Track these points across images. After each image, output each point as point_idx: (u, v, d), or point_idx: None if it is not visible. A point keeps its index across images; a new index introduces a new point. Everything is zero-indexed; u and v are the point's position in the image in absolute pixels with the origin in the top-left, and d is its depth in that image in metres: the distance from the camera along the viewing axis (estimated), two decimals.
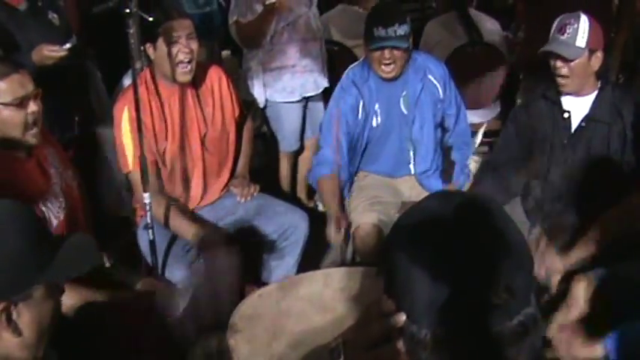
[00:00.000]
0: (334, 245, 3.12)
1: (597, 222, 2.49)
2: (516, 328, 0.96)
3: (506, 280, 0.96)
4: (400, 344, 1.01)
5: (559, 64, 2.72)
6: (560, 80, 2.76)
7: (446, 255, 0.97)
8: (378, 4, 3.45)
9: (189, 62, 2.79)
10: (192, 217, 2.94)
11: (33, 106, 2.27)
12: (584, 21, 2.69)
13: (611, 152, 2.75)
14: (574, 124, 2.81)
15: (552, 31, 2.76)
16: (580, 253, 2.46)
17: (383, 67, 3.03)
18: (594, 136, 2.78)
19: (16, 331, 1.34)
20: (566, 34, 2.70)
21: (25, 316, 1.35)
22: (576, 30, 2.68)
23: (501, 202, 2.95)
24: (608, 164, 2.77)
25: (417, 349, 0.99)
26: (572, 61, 2.69)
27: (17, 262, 1.34)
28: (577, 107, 2.80)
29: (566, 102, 2.83)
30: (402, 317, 1.00)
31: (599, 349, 1.93)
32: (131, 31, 2.54)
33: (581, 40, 2.68)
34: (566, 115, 2.82)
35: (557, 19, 2.77)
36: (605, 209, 2.53)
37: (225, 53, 5.21)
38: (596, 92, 2.77)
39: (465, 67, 4.02)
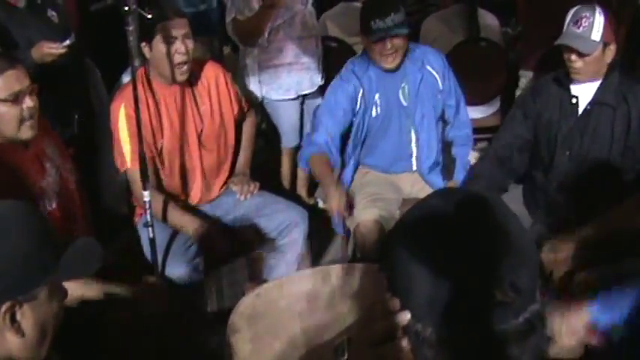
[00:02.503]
0: (335, 218, 3.04)
1: (603, 214, 2.47)
2: (522, 326, 0.96)
3: (509, 277, 0.95)
4: (405, 342, 1.01)
5: (573, 57, 2.71)
6: (573, 69, 2.75)
7: (447, 252, 0.97)
8: None
9: (185, 63, 2.80)
10: (191, 212, 2.94)
11: (29, 102, 2.26)
12: (599, 14, 2.67)
13: (615, 137, 2.75)
14: (581, 109, 2.81)
15: (567, 22, 2.74)
16: (581, 235, 2.44)
17: (384, 57, 3.04)
18: (599, 121, 2.78)
19: (20, 331, 1.34)
20: (582, 28, 2.68)
21: (29, 316, 1.35)
22: (592, 24, 2.67)
23: (500, 183, 2.97)
24: (612, 150, 2.77)
25: (422, 348, 0.99)
26: (587, 55, 2.69)
27: (23, 262, 1.34)
28: (585, 92, 2.80)
29: (575, 87, 2.82)
30: (407, 315, 1.00)
31: (586, 312, 1.84)
32: (130, 28, 2.53)
33: (597, 34, 2.67)
34: (574, 100, 2.82)
35: (572, 11, 2.74)
36: (608, 197, 2.53)
37: (226, 50, 5.19)
38: (602, 76, 2.77)
39: (465, 63, 4.01)
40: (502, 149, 2.99)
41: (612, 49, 2.72)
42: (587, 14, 2.69)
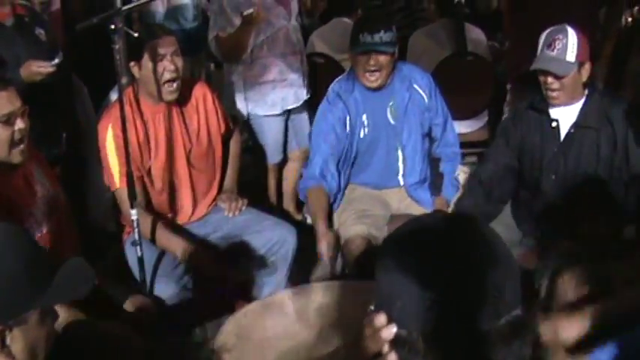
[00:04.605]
0: (325, 262, 3.05)
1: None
2: (505, 328, 0.98)
3: (493, 280, 0.99)
4: (392, 357, 1.02)
5: (550, 79, 2.71)
6: (550, 94, 2.75)
7: (434, 258, 1.01)
8: (365, 13, 3.47)
9: (174, 81, 2.80)
10: (180, 233, 2.93)
11: (20, 124, 2.25)
12: (572, 35, 2.68)
13: (601, 159, 2.75)
14: (563, 133, 2.82)
15: (540, 46, 2.75)
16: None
17: (367, 74, 3.03)
18: (584, 143, 2.78)
19: (10, 355, 1.34)
20: (555, 50, 2.68)
21: (19, 341, 1.35)
22: (565, 45, 2.67)
23: (490, 213, 2.97)
24: (599, 171, 2.77)
25: (409, 357, 1.01)
26: (563, 77, 2.70)
27: (14, 286, 1.34)
28: (565, 115, 2.81)
29: (554, 111, 2.83)
30: (393, 329, 1.01)
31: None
32: (117, 46, 2.54)
33: (571, 55, 2.67)
34: (554, 124, 2.82)
35: (545, 34, 2.76)
36: (597, 216, 2.53)
37: (212, 67, 5.20)
38: (583, 99, 2.78)
39: (452, 78, 4.03)
40: (488, 180, 3.01)
41: (587, 68, 2.73)
42: (560, 36, 2.69)
